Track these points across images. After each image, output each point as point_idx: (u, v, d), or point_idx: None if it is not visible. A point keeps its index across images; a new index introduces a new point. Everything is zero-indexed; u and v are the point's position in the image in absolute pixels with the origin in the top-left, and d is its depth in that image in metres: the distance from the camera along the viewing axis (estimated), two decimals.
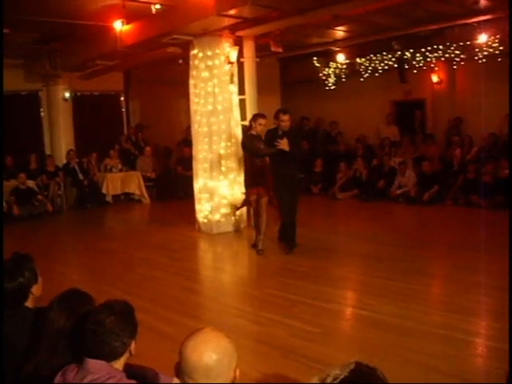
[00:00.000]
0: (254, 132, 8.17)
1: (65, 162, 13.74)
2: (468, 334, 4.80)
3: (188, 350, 1.96)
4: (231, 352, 2.02)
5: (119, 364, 2.37)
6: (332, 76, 15.67)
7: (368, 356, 4.14)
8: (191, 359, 1.94)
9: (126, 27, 9.84)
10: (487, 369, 4.18)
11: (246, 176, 8.79)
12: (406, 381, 3.85)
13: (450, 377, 3.99)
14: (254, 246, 8.41)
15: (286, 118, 7.99)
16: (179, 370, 1.99)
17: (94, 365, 2.27)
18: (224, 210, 9.80)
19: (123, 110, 15.72)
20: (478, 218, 10.02)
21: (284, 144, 7.66)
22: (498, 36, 11.94)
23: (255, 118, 8.29)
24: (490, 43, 12.13)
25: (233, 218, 9.87)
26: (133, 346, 2.42)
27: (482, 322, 5.22)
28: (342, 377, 1.56)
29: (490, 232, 8.72)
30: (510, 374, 1.56)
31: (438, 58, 13.34)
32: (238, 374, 2.04)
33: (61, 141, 14.21)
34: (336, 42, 13.25)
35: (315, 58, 15.52)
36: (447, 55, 13.05)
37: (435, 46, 13.16)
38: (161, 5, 9.17)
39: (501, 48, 12.00)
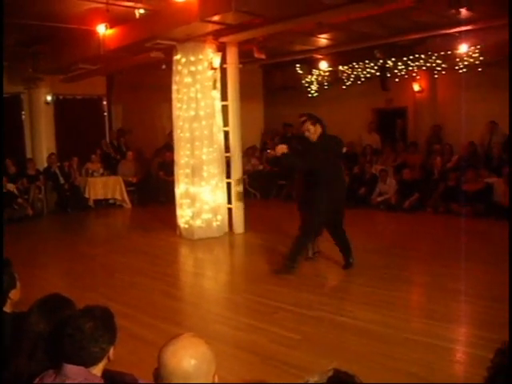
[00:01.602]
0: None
1: (46, 165, 13.64)
2: (448, 340, 4.83)
3: (167, 355, 1.96)
4: (210, 358, 2.02)
5: (97, 370, 2.36)
6: (315, 83, 15.75)
7: (348, 363, 4.16)
8: (170, 365, 1.94)
9: (110, 31, 9.82)
10: (466, 375, 4.21)
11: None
12: None
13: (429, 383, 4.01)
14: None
15: (306, 126, 7.13)
16: (158, 375, 1.98)
17: (72, 370, 2.26)
18: (205, 216, 9.79)
19: (105, 114, 15.64)
20: (458, 225, 10.10)
21: (279, 149, 7.03)
22: (478, 46, 12.09)
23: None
24: (470, 53, 12.27)
25: (214, 223, 9.85)
26: (111, 351, 2.41)
27: (461, 329, 5.26)
28: None
29: (469, 240, 8.80)
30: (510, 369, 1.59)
31: (419, 67, 13.47)
32: (216, 379, 2.04)
33: (42, 144, 14.10)
34: (319, 49, 13.32)
35: (298, 65, 15.59)
36: (428, 64, 13.19)
37: (417, 55, 13.29)
38: (144, 9, 9.19)
39: (481, 58, 12.14)
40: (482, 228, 10.13)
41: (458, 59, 12.56)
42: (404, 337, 4.91)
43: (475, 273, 6.99)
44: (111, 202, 14.02)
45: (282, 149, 6.93)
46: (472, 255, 7.81)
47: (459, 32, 11.32)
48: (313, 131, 7.02)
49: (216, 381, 2.04)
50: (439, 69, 13.12)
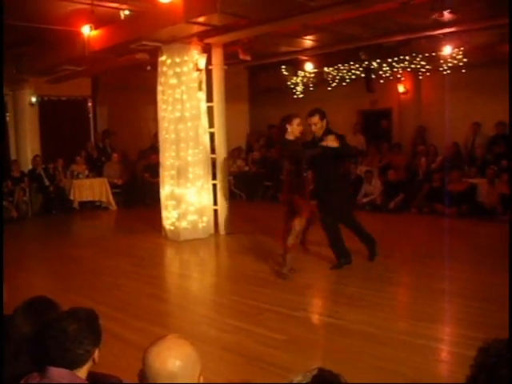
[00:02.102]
0: (290, 137, 6.90)
1: (30, 167, 13.56)
2: (433, 340, 4.86)
3: (152, 356, 1.96)
4: (195, 359, 2.02)
5: (82, 372, 2.35)
6: (300, 85, 15.78)
7: (334, 363, 4.17)
8: (155, 366, 1.94)
9: (94, 32, 9.79)
10: (451, 374, 4.22)
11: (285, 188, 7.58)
12: None
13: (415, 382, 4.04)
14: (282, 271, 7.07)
15: (314, 120, 6.87)
16: (143, 376, 1.98)
17: (57, 373, 2.25)
18: (191, 218, 9.77)
19: (90, 115, 15.57)
20: (442, 226, 10.16)
21: (331, 140, 6.57)
22: (462, 48, 12.17)
23: (289, 119, 6.91)
24: (454, 55, 12.36)
25: (200, 225, 9.84)
26: (96, 353, 2.40)
27: (446, 329, 5.30)
28: (304, 383, 1.58)
29: (454, 240, 8.86)
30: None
31: (404, 69, 13.55)
32: (201, 380, 2.05)
33: (27, 146, 14.02)
34: (304, 51, 13.35)
35: (283, 67, 15.61)
36: (413, 66, 13.26)
37: (401, 57, 13.35)
38: (129, 10, 9.17)
39: (465, 60, 12.23)
40: (467, 228, 10.21)
41: (442, 61, 12.64)
42: (390, 337, 4.93)
43: (460, 273, 7.03)
44: (97, 204, 13.97)
45: (333, 139, 6.61)
46: (456, 255, 7.88)
47: (443, 34, 11.40)
48: (320, 126, 6.86)
49: (201, 381, 2.05)
50: (423, 70, 13.20)
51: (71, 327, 2.31)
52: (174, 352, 1.98)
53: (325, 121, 6.88)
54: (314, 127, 6.83)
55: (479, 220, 10.60)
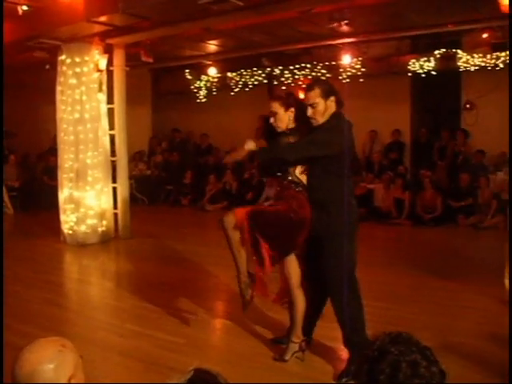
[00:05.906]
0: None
1: None
2: (328, 340, 4.99)
3: (14, 361, 1.90)
4: (59, 361, 1.92)
5: None
6: (203, 89, 15.79)
7: (232, 365, 4.23)
8: (15, 371, 1.88)
9: None
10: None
11: None
12: None
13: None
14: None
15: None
16: None
17: None
18: (90, 221, 9.56)
19: None
20: None
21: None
22: (360, 58, 12.60)
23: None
24: (353, 65, 12.76)
25: (99, 229, 9.66)
26: None
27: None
28: None
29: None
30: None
31: (305, 76, 13.84)
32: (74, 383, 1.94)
33: None
34: (208, 55, 13.39)
35: (187, 71, 15.57)
36: (314, 74, 13.57)
37: (303, 65, 13.64)
38: (28, 6, 8.85)
39: (363, 70, 12.67)
40: (364, 231, 10.45)
41: (341, 69, 13.03)
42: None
43: (376, 277, 7.23)
44: None
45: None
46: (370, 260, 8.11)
47: (342, 44, 11.77)
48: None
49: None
50: (324, 78, 13.55)
51: None
52: (34, 355, 1.91)
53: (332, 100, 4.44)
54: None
55: (376, 223, 11.02)
